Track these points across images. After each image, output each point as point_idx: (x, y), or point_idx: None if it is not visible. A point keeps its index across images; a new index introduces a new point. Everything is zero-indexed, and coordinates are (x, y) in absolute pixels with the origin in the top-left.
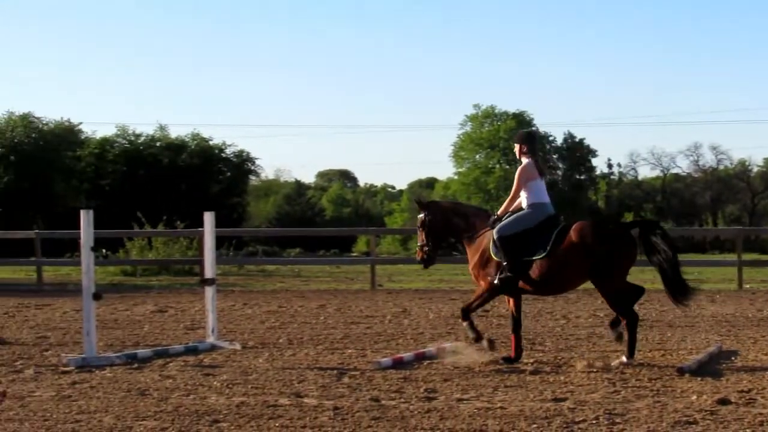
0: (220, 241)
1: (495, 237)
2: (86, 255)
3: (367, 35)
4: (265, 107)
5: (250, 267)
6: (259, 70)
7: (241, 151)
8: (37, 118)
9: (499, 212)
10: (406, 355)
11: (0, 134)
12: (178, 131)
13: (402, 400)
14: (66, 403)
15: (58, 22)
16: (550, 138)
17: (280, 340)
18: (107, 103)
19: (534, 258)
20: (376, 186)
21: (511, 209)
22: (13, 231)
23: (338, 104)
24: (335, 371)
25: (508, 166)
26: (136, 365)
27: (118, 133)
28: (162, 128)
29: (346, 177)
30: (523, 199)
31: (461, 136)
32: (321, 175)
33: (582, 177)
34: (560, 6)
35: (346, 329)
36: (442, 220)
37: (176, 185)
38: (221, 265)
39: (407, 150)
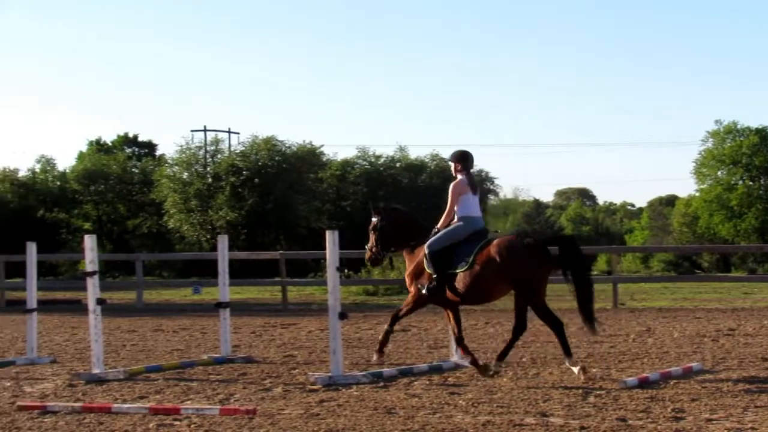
0: None
1: (426, 251)
2: (332, 275)
3: (607, 54)
4: (502, 126)
5: None
6: (493, 90)
7: (480, 171)
8: (280, 142)
9: (438, 226)
10: (652, 374)
11: (245, 157)
12: (417, 152)
13: (649, 420)
14: (314, 421)
15: (296, 52)
16: None
17: (524, 359)
18: (348, 127)
19: (457, 271)
20: (615, 204)
21: (447, 223)
22: (258, 252)
23: (577, 122)
24: (580, 390)
25: (751, 182)
26: (381, 384)
27: (359, 155)
28: (402, 149)
29: (584, 195)
30: (455, 212)
31: (703, 153)
32: (559, 193)
33: None
34: None
35: (589, 348)
36: (392, 228)
37: (416, 205)
38: None
39: (647, 167)
